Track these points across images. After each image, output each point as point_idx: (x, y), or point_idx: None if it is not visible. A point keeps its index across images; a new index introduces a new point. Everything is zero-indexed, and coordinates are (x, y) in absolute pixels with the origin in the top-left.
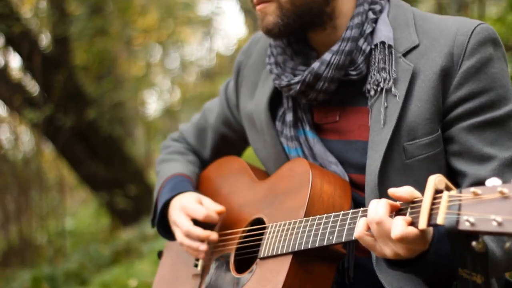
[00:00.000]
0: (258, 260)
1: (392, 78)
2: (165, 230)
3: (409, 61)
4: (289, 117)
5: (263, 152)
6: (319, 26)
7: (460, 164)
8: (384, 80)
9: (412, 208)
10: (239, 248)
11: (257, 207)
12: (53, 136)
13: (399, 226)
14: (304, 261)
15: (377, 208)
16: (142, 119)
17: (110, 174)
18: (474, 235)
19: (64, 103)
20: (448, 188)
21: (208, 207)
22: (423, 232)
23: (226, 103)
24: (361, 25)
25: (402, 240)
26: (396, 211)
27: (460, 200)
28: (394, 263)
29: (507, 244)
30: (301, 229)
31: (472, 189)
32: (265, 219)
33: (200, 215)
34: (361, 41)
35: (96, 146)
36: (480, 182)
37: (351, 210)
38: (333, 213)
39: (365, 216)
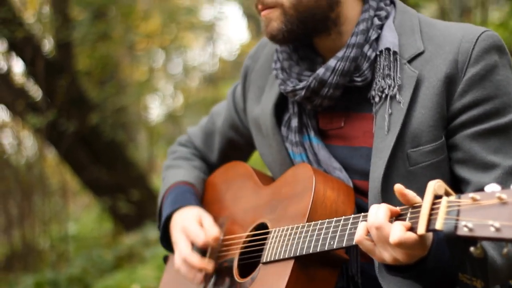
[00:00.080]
0: (260, 264)
1: (397, 85)
2: (168, 242)
3: (414, 68)
4: (294, 122)
5: (269, 157)
6: (323, 32)
7: (463, 172)
8: (389, 86)
9: (412, 213)
10: (242, 252)
11: (261, 212)
12: (56, 141)
13: (397, 231)
14: (306, 266)
15: (377, 213)
16: (145, 124)
17: (113, 179)
18: (473, 240)
19: (67, 108)
20: (447, 194)
21: (207, 232)
22: (422, 237)
23: (234, 107)
24: (367, 31)
25: (401, 245)
26: (396, 216)
27: (459, 205)
28: (393, 269)
29: (505, 250)
30: (303, 234)
31: (471, 194)
32: (268, 224)
33: (199, 241)
34: (366, 48)
35: (99, 151)
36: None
37: (352, 215)
38: (335, 218)
39: (366, 221)
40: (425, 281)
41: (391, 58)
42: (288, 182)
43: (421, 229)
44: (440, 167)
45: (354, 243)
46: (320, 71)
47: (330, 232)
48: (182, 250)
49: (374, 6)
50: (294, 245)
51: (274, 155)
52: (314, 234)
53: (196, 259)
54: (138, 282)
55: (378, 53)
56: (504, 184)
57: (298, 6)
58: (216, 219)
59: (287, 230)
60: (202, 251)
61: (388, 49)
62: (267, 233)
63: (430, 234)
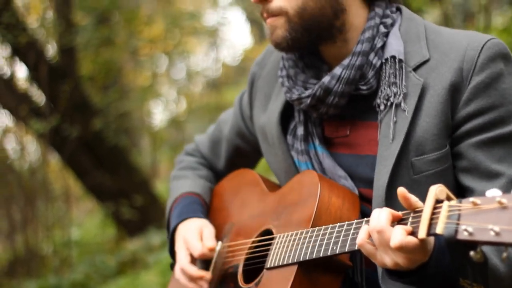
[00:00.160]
0: (264, 270)
1: (402, 93)
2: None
3: (419, 76)
4: (300, 131)
5: (275, 165)
6: (329, 40)
7: (468, 180)
8: (395, 94)
9: (413, 218)
10: (247, 258)
11: (267, 218)
12: (59, 146)
13: (398, 235)
14: (309, 271)
15: (379, 217)
16: (148, 129)
17: (116, 184)
18: (473, 245)
19: (70, 113)
20: (449, 198)
21: (204, 243)
22: (423, 242)
23: (240, 115)
24: (372, 39)
25: (401, 249)
26: (398, 221)
27: (459, 209)
28: (394, 274)
29: (504, 254)
30: (306, 239)
31: (472, 199)
32: (273, 230)
33: (196, 253)
34: (371, 56)
35: (102, 156)
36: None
37: (356, 221)
38: (338, 224)
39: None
40: (426, 286)
41: (397, 66)
42: (294, 188)
43: (422, 233)
44: (444, 175)
45: (356, 247)
46: (326, 79)
47: (333, 237)
48: (181, 260)
49: (380, 13)
50: (298, 251)
51: (279, 163)
52: (317, 240)
53: (193, 270)
54: (141, 287)
55: (383, 61)
56: (508, 193)
57: (303, 14)
58: (222, 225)
59: (291, 235)
60: (207, 261)
61: (393, 57)
62: (272, 239)
63: (431, 239)
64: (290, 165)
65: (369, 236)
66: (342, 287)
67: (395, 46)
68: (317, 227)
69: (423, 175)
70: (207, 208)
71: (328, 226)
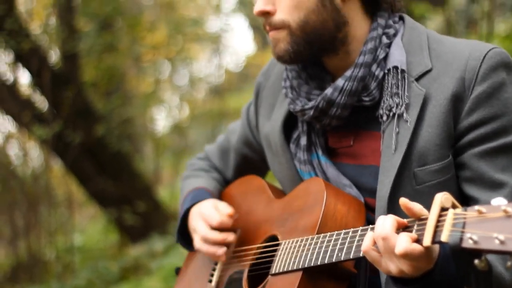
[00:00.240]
0: (269, 276)
1: (405, 104)
2: (187, 241)
3: (421, 86)
4: (303, 141)
5: (279, 174)
6: (331, 52)
7: (472, 190)
8: (397, 105)
9: (418, 225)
10: (253, 264)
11: (273, 224)
12: (62, 152)
13: (403, 242)
14: (314, 278)
15: (384, 224)
16: (151, 135)
17: (119, 190)
18: (477, 253)
19: (73, 119)
20: (454, 206)
21: (222, 213)
22: (428, 249)
23: (247, 124)
24: (374, 51)
25: (406, 256)
26: (403, 228)
27: (465, 218)
28: (399, 281)
29: (509, 263)
30: (311, 246)
31: (477, 207)
32: (279, 237)
33: (214, 221)
34: (374, 67)
35: (104, 162)
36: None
37: (361, 228)
38: (344, 230)
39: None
40: None
41: (399, 77)
42: (300, 195)
43: (427, 240)
44: (447, 186)
45: (361, 254)
46: (328, 91)
47: (338, 244)
48: (201, 230)
49: (382, 24)
50: (303, 257)
51: (284, 171)
52: (322, 246)
53: (215, 234)
54: None
55: (386, 71)
56: None
57: (305, 27)
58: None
59: (296, 242)
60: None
61: (396, 68)
62: (277, 245)
63: (436, 247)
64: (294, 173)
65: (374, 243)
66: None
67: (397, 56)
68: (322, 234)
69: (426, 186)
70: None
71: (333, 233)
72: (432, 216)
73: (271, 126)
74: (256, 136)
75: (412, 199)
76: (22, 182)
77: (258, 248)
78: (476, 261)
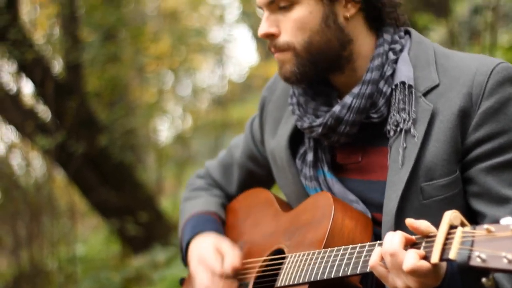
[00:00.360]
0: None
1: (412, 119)
2: None
3: (428, 101)
4: (310, 157)
5: (286, 188)
6: (337, 70)
7: (479, 205)
8: (404, 120)
9: (426, 242)
10: (258, 277)
11: (279, 237)
12: (65, 162)
13: (411, 259)
14: None
15: (392, 240)
16: (153, 146)
17: (121, 200)
18: (485, 271)
19: (76, 129)
20: (463, 224)
21: (226, 263)
22: (435, 266)
23: (252, 139)
24: (382, 67)
25: (414, 272)
26: (411, 245)
27: (473, 236)
28: None
29: None
30: (318, 260)
31: (486, 226)
32: (285, 250)
33: (216, 271)
34: (381, 83)
35: (107, 172)
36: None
37: (368, 243)
38: (351, 245)
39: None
40: None
41: (406, 92)
42: (308, 209)
43: (435, 258)
44: (454, 201)
45: (368, 269)
46: (336, 108)
47: (345, 259)
48: (202, 281)
49: (388, 40)
50: (309, 271)
51: (290, 186)
52: (329, 261)
53: (218, 286)
54: None
55: (393, 87)
56: None
57: (309, 48)
58: (234, 244)
59: (303, 255)
60: None
61: (403, 83)
62: (283, 258)
63: (444, 264)
64: (300, 189)
65: (382, 259)
66: None
67: (404, 71)
68: (329, 248)
69: (433, 200)
70: (223, 223)
71: (340, 247)
72: (440, 234)
73: (276, 142)
74: (261, 150)
75: (419, 214)
76: (24, 192)
77: (264, 261)
78: (484, 280)
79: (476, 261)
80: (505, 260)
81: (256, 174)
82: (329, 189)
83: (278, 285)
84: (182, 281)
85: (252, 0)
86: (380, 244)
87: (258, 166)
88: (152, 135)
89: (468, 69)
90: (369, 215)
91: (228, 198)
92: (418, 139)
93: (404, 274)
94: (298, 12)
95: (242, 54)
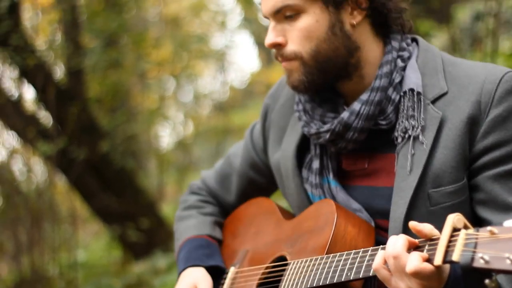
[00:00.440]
0: None
1: (420, 126)
2: None
3: (437, 109)
4: (316, 164)
5: (289, 198)
6: (345, 77)
7: (485, 213)
8: (413, 127)
9: (429, 245)
10: (260, 284)
11: (282, 245)
12: (66, 168)
13: (414, 261)
14: None
15: (396, 243)
16: (155, 152)
17: (123, 206)
18: (488, 273)
19: (78, 135)
20: (466, 227)
21: None
22: (438, 269)
23: (252, 147)
24: (390, 74)
25: (417, 275)
26: (414, 248)
27: (476, 238)
28: None
29: None
30: (321, 265)
31: (489, 228)
32: (288, 257)
33: None
34: (390, 91)
35: (109, 178)
36: None
37: (371, 248)
38: (353, 251)
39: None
40: None
41: (415, 99)
42: (310, 216)
43: (438, 259)
44: (461, 207)
45: (371, 273)
46: (345, 115)
47: (348, 264)
48: None
49: (396, 47)
50: (312, 276)
51: (292, 196)
52: (332, 266)
53: None
54: None
55: (402, 94)
56: None
57: (317, 56)
58: (236, 252)
59: (305, 262)
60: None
61: (412, 90)
62: (286, 265)
63: (447, 267)
64: (303, 198)
65: (385, 262)
66: None
67: (413, 79)
68: (332, 254)
69: (440, 207)
70: (218, 243)
71: (343, 253)
72: (444, 236)
73: (282, 151)
74: (262, 159)
75: (426, 220)
76: (26, 198)
77: (267, 268)
78: (487, 281)
79: (479, 263)
80: (508, 261)
81: (256, 182)
82: (333, 197)
83: None
84: None
85: (253, 7)
86: (383, 248)
87: (259, 174)
88: (153, 141)
89: (477, 78)
90: (373, 224)
91: (224, 208)
92: (426, 146)
93: (407, 277)
94: (305, 21)
95: (243, 60)
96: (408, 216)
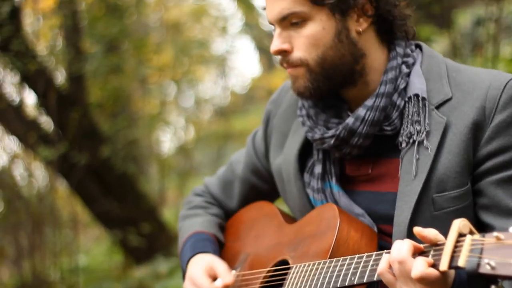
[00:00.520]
0: None
1: (425, 131)
2: None
3: (441, 114)
4: (318, 169)
5: (290, 202)
6: (350, 84)
7: (488, 218)
8: (417, 132)
9: (435, 250)
10: (262, 287)
11: (283, 249)
12: (67, 173)
13: (419, 266)
14: None
15: (401, 247)
16: (156, 157)
17: (124, 211)
18: (494, 279)
19: (79, 140)
20: (471, 233)
21: (220, 275)
22: (444, 274)
23: (254, 153)
24: (395, 80)
25: (422, 280)
26: (419, 253)
27: (482, 244)
28: None
29: None
30: (324, 270)
31: (495, 233)
32: (290, 261)
33: None
34: (395, 96)
35: (110, 183)
36: None
37: (375, 252)
38: (357, 255)
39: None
40: None
41: (420, 104)
42: (313, 221)
43: (444, 265)
44: (465, 212)
45: (375, 277)
46: (350, 120)
47: (351, 268)
48: None
49: (401, 53)
50: (315, 281)
51: (294, 200)
52: (335, 270)
53: None
54: None
55: (406, 99)
56: None
57: (323, 63)
58: (237, 255)
59: (308, 266)
60: None
61: (416, 95)
62: (288, 269)
63: (452, 273)
64: (305, 203)
65: (390, 266)
66: None
67: (417, 84)
68: (335, 258)
69: (444, 212)
70: (220, 245)
71: (346, 257)
72: (449, 242)
73: (284, 155)
74: (264, 164)
75: (430, 225)
76: (27, 202)
77: (268, 271)
78: (493, 287)
79: (485, 269)
80: None
81: (259, 188)
82: (335, 202)
83: None
84: None
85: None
86: (388, 253)
87: (261, 180)
88: (154, 146)
89: (481, 83)
90: (375, 228)
91: (227, 214)
92: (431, 151)
93: (412, 282)
94: (311, 29)
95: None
96: (412, 221)
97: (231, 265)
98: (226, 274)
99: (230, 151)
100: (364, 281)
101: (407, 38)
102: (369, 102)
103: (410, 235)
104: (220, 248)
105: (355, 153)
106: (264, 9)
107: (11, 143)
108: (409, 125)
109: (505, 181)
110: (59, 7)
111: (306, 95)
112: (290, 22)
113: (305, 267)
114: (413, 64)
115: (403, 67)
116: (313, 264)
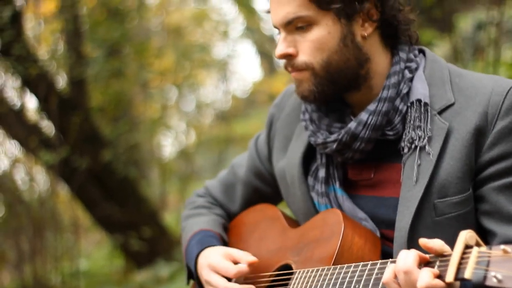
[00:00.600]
0: None
1: (427, 136)
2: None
3: (444, 119)
4: (322, 173)
5: (294, 206)
6: (354, 88)
7: (490, 224)
8: (419, 138)
9: (441, 261)
10: None
11: (287, 253)
12: (69, 177)
13: (425, 277)
14: None
15: (406, 258)
16: (157, 161)
17: (125, 216)
18: None
19: (80, 145)
20: (478, 244)
21: (241, 258)
22: (449, 285)
23: (257, 156)
24: (398, 85)
25: None
26: (425, 263)
27: (489, 256)
28: None
29: None
30: (328, 276)
31: (502, 246)
32: (293, 266)
33: (231, 274)
34: (397, 101)
35: (111, 188)
36: (509, 242)
37: (380, 261)
38: (362, 262)
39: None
40: None
41: (422, 109)
42: (317, 226)
43: (450, 276)
44: (466, 218)
45: (379, 286)
46: (352, 125)
47: (356, 276)
48: (219, 284)
49: (404, 58)
50: (318, 287)
51: (298, 204)
52: (339, 277)
53: (236, 286)
54: None
55: (409, 104)
56: None
57: (328, 68)
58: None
59: (311, 272)
60: None
61: (419, 100)
62: (291, 274)
63: (458, 285)
64: (309, 206)
65: (395, 276)
66: None
67: (420, 89)
68: (339, 265)
69: (445, 217)
70: (225, 245)
71: (351, 264)
72: (456, 253)
73: (288, 158)
74: (267, 168)
75: (431, 230)
76: (28, 207)
77: (271, 276)
78: None
79: (492, 281)
80: None
81: (261, 191)
82: (339, 206)
83: None
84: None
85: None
86: (393, 262)
87: (264, 183)
88: (156, 150)
89: (484, 89)
90: (378, 233)
91: (229, 217)
92: (433, 156)
93: None
94: (317, 33)
95: (246, 69)
96: (413, 226)
97: None
98: (247, 255)
99: (231, 155)
100: None
101: (411, 42)
102: (371, 106)
103: (411, 240)
104: None
105: (357, 157)
106: (268, 12)
107: (12, 148)
108: (411, 130)
109: (507, 187)
110: (61, 12)
111: (311, 99)
112: (296, 26)
113: (309, 273)
114: (416, 69)
115: (406, 72)
116: (317, 270)
